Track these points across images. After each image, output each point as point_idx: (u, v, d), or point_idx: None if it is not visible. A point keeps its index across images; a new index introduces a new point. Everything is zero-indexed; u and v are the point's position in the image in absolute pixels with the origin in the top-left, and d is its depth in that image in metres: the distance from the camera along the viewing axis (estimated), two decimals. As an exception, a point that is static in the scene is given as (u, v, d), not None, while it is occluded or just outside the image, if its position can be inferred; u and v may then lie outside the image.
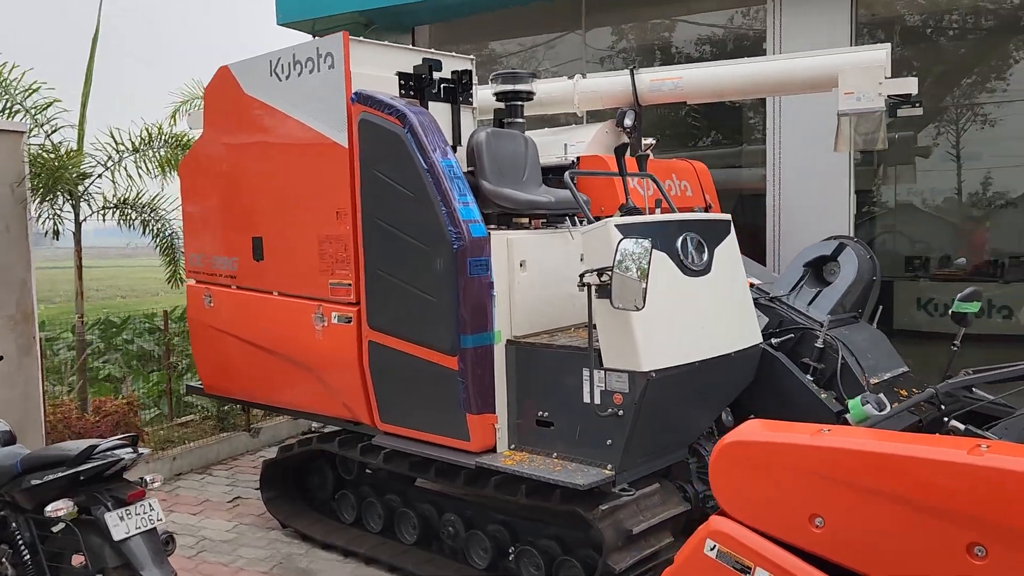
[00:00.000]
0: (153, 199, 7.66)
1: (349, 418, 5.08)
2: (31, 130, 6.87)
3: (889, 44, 5.41)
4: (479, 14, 9.17)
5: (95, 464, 3.70)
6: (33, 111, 7.09)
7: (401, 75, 4.95)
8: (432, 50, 5.19)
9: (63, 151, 6.98)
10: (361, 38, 4.83)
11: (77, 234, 7.19)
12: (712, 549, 2.73)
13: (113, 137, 7.29)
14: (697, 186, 6.22)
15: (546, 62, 9.92)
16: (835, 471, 2.57)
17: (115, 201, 7.46)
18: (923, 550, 2.30)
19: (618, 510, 4.08)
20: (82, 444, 3.78)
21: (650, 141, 6.37)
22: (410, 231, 4.45)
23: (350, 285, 4.75)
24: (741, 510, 2.73)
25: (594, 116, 7.49)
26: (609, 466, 4.04)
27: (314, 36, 8.67)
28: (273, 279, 5.23)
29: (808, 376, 4.69)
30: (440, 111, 5.03)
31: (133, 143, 7.34)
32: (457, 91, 5.20)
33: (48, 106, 7.11)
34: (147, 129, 7.42)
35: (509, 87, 5.44)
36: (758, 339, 4.63)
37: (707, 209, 6.04)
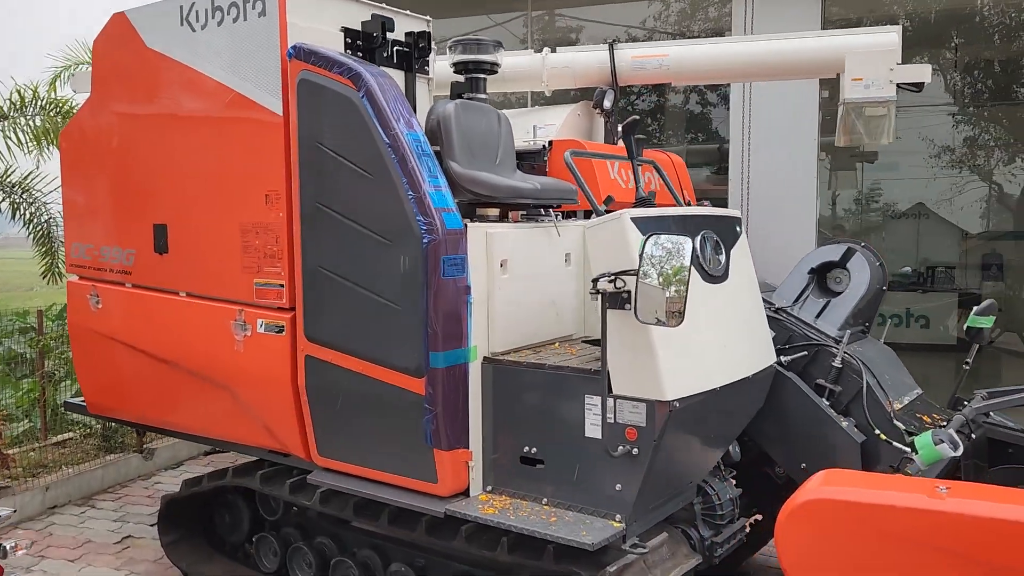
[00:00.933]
0: (26, 177, 6.65)
1: (276, 448, 4.21)
2: None
3: (899, 26, 4.88)
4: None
5: None
6: None
7: (347, 31, 4.14)
8: (383, 5, 4.35)
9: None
10: (300, -18, 3.97)
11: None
12: None
13: (-27, 100, 6.21)
14: (675, 180, 5.55)
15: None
16: (964, 546, 2.20)
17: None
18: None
19: (626, 570, 3.32)
20: None
21: (635, 119, 5.68)
22: (365, 221, 3.61)
23: (282, 286, 3.90)
24: None
25: (541, 98, 6.81)
26: (618, 516, 3.29)
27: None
28: (180, 277, 4.39)
29: (824, 400, 4.08)
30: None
31: (0, 108, 6.24)
32: (412, 56, 4.39)
33: None
34: (19, 91, 6.32)
35: (471, 56, 4.61)
36: (773, 358, 3.98)
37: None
